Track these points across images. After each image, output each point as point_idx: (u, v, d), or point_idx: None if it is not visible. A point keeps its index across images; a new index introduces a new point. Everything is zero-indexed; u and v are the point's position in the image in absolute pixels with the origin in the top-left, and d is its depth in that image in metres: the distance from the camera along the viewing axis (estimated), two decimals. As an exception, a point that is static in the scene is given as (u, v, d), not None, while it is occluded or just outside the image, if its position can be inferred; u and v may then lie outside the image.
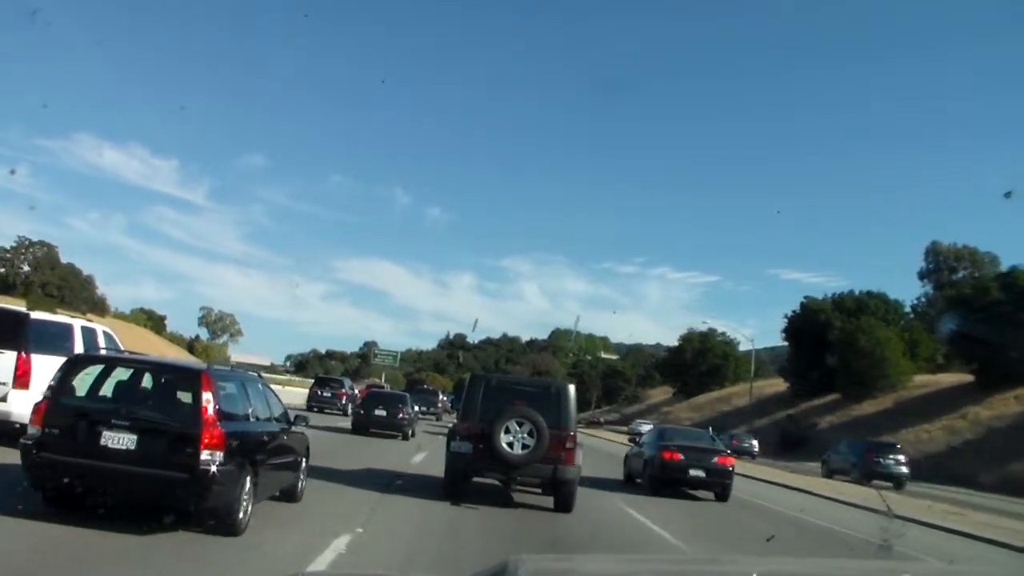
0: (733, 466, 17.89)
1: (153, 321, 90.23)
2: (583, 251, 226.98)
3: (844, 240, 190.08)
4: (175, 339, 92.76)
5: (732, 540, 12.46)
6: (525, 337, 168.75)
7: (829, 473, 35.22)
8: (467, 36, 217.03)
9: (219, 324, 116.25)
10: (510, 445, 11.50)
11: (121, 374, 7.89)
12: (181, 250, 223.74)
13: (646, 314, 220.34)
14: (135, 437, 6.76)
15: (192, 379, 7.20)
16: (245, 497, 7.35)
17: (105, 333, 16.59)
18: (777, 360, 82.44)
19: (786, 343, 73.19)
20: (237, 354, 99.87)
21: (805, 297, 73.04)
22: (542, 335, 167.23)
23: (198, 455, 6.72)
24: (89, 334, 14.89)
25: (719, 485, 17.11)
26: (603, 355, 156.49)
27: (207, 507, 6.93)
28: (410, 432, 25.98)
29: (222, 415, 7.08)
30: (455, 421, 13.64)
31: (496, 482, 12.51)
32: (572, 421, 12.01)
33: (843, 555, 10.97)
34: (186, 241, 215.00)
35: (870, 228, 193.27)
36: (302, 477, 10.05)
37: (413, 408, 27.76)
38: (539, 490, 12.57)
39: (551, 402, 11.95)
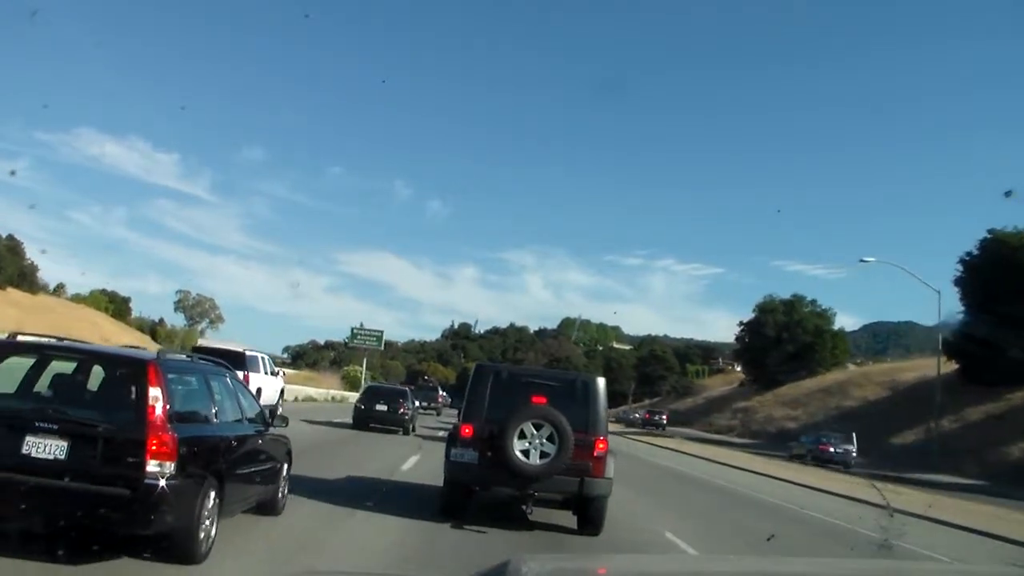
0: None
1: (116, 304, 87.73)
2: (586, 243, 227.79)
3: (844, 234, 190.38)
4: (143, 324, 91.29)
5: (734, 539, 12.55)
6: (530, 329, 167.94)
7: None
8: (467, 30, 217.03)
9: (197, 309, 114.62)
10: (525, 453, 10.01)
11: (59, 367, 7.00)
12: (183, 243, 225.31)
13: (650, 306, 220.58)
14: (65, 444, 5.85)
15: (136, 372, 6.24)
16: (206, 516, 6.49)
17: (264, 360, 24.99)
18: (861, 337, 72.57)
19: (962, 307, 49.43)
20: (209, 341, 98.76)
21: (989, 231, 48.24)
22: (548, 326, 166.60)
23: (143, 466, 5.83)
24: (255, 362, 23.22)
25: None
26: (615, 345, 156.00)
27: (156, 530, 6.04)
28: (411, 427, 27.77)
29: (175, 416, 6.19)
30: (456, 420, 11.89)
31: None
32: (603, 423, 10.56)
33: (844, 554, 10.81)
34: (188, 234, 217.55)
35: (870, 221, 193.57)
36: (283, 486, 9.38)
37: (414, 403, 29.84)
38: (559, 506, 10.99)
39: (576, 399, 10.44)
